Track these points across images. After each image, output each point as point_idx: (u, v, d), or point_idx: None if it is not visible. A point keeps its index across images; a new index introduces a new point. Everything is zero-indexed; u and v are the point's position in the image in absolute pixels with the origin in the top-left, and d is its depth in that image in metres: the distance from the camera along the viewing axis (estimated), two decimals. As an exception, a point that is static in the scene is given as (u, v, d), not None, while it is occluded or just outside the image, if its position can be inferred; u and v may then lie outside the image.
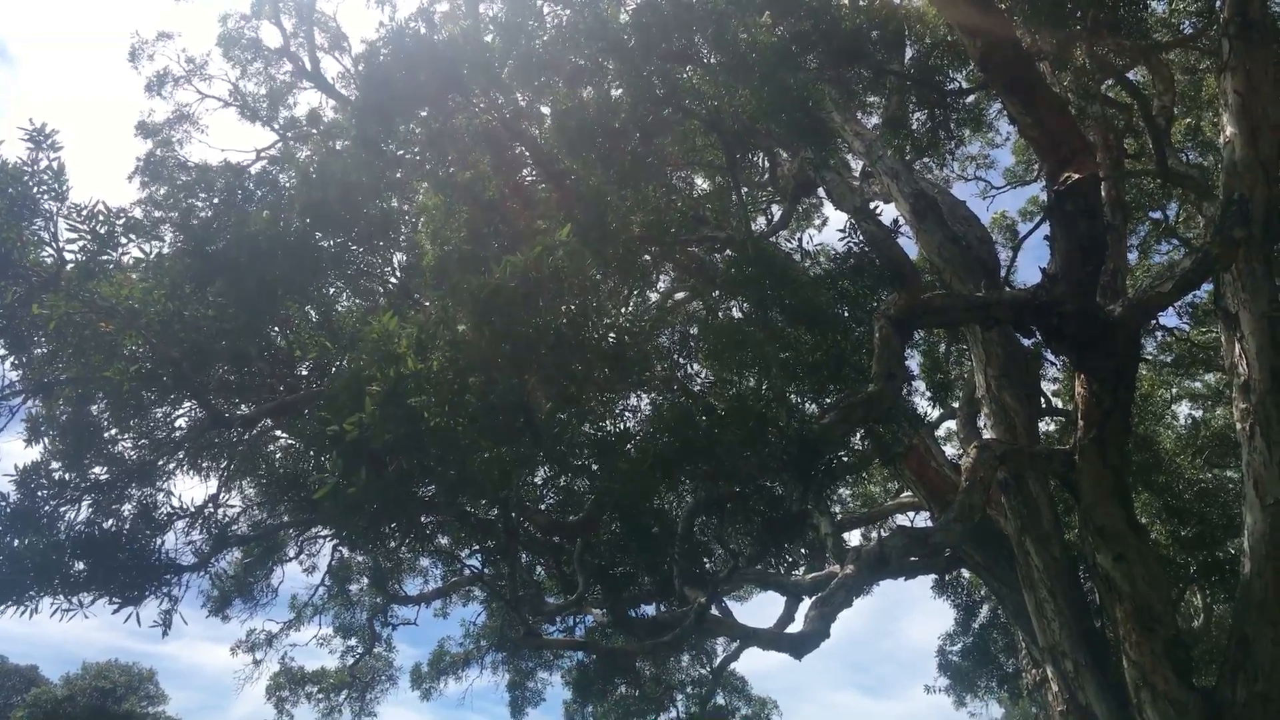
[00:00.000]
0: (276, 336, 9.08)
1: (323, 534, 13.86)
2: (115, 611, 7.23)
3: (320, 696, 19.51)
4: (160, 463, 8.72)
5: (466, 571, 14.86)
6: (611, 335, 6.32)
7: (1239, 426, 9.67)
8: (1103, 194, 10.46)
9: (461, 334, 5.14)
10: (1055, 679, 10.79)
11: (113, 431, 8.29)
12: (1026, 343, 11.89)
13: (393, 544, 10.22)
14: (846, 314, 9.16)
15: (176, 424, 8.84)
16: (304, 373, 9.06)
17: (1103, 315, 8.38)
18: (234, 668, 19.06)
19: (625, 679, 17.88)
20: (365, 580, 17.37)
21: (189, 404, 8.41)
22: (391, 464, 5.07)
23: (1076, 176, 7.47)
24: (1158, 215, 16.72)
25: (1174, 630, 9.98)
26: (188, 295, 7.38)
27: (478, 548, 11.23)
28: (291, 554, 15.52)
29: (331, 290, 9.41)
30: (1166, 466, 14.47)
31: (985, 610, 19.36)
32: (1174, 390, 17.83)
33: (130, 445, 8.55)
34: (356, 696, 19.61)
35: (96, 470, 7.92)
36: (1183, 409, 18.16)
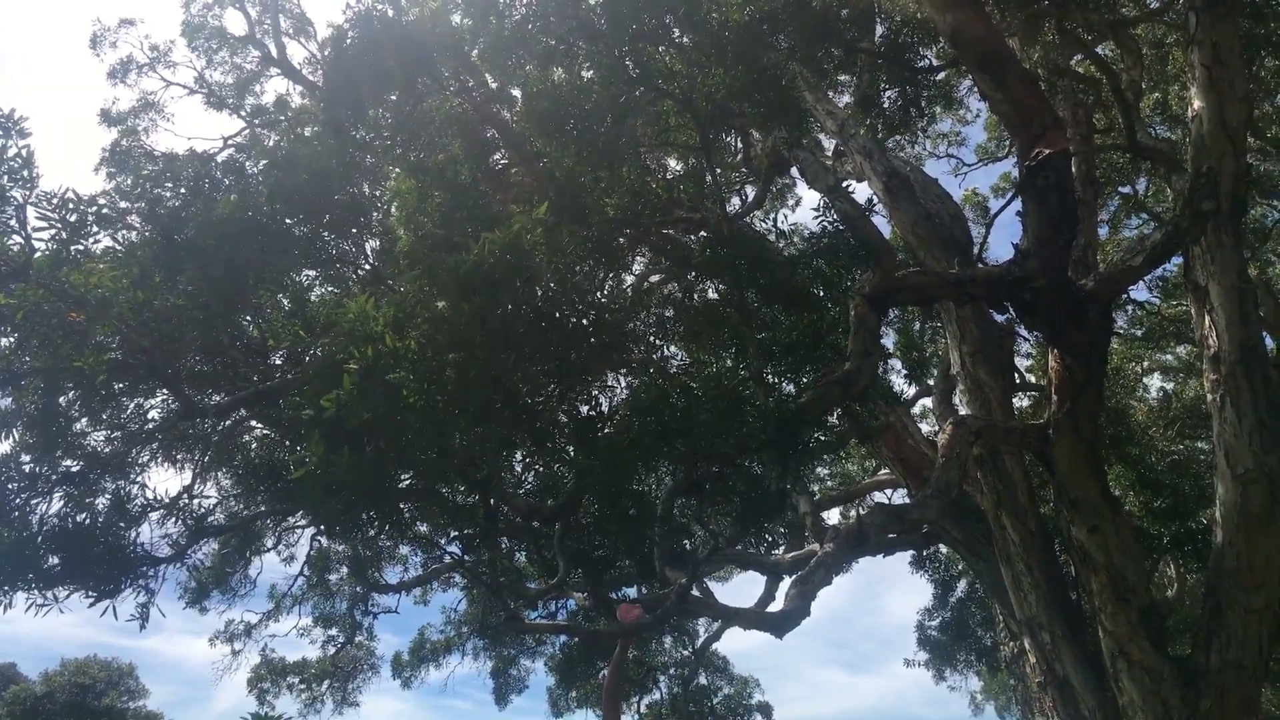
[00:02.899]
0: (249, 325, 8.98)
1: (300, 524, 13.78)
2: (91, 605, 7.16)
3: (302, 687, 19.44)
4: (133, 454, 8.62)
5: (446, 558, 14.84)
6: (590, 315, 6.30)
7: (1210, 398, 9.79)
8: (1073, 169, 10.53)
9: (439, 312, 5.10)
10: (1033, 651, 10.92)
11: (84, 423, 8.18)
12: (1000, 319, 11.98)
13: (371, 531, 10.19)
14: (822, 293, 9.17)
15: (149, 415, 8.74)
16: (278, 361, 8.97)
17: (1075, 290, 8.44)
18: (214, 660, 18.93)
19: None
20: (344, 569, 17.29)
21: (161, 394, 8.31)
22: (370, 445, 5.03)
23: (1048, 152, 7.50)
24: (1127, 190, 16.86)
25: (1148, 600, 10.13)
26: (157, 284, 7.28)
27: (456, 534, 11.19)
28: (269, 544, 15.45)
29: (304, 277, 9.31)
30: (1139, 439, 14.63)
31: (963, 585, 19.57)
32: (1145, 363, 18.02)
33: (102, 437, 8.45)
34: (338, 686, 19.55)
35: (68, 462, 7.82)
36: (1154, 382, 18.38)
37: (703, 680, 20.66)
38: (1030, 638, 10.92)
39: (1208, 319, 9.44)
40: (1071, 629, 10.60)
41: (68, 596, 7.17)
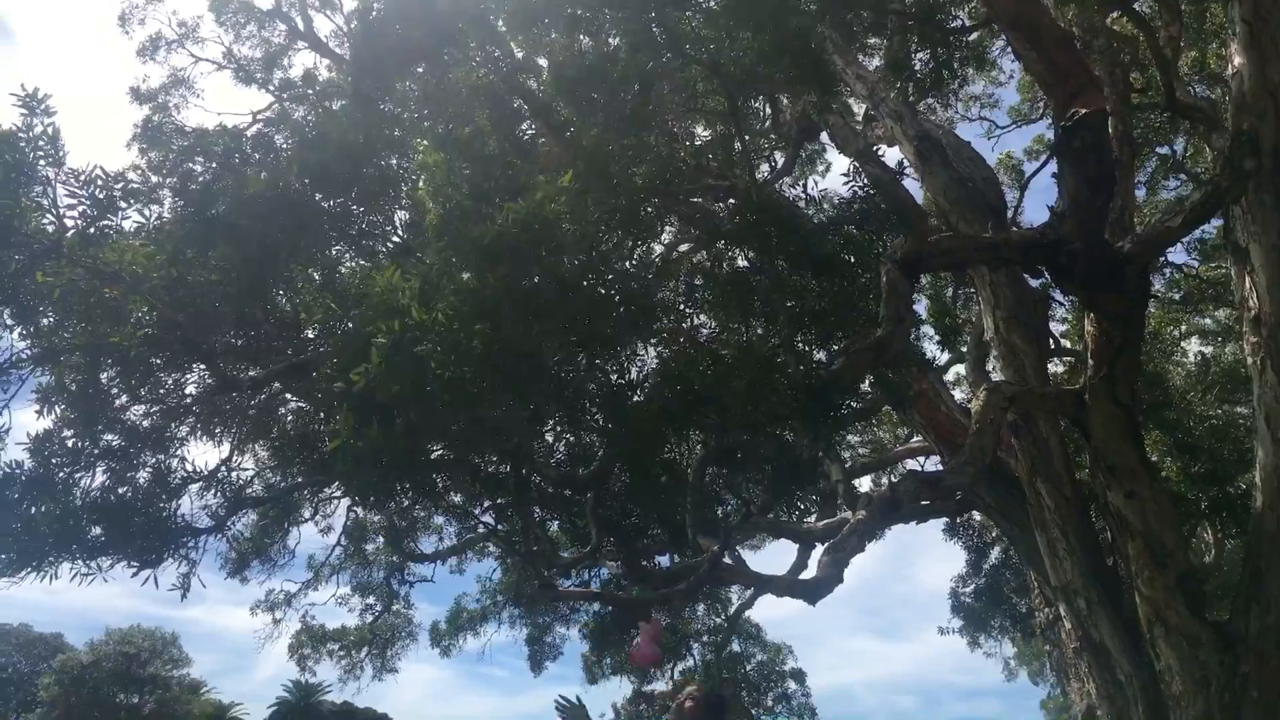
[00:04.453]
0: (281, 299, 9.05)
1: (337, 494, 13.95)
2: (134, 575, 7.31)
3: (341, 654, 19.77)
4: (172, 428, 8.73)
5: (480, 528, 14.95)
6: (617, 285, 6.29)
7: (1250, 361, 9.63)
8: (1110, 129, 10.33)
9: (465, 283, 5.10)
10: (1068, 617, 10.87)
11: (123, 399, 8.30)
12: (1034, 283, 11.83)
13: (405, 501, 10.31)
14: (853, 259, 9.08)
15: (186, 390, 8.85)
16: (311, 335, 9.05)
17: (1112, 252, 8.31)
18: (255, 629, 19.29)
19: (640, 629, 18.07)
20: (381, 539, 17.51)
21: (198, 369, 8.40)
22: (400, 417, 5.07)
23: (1084, 112, 7.36)
24: (1165, 151, 16.53)
25: (1186, 565, 10.02)
26: (190, 260, 7.35)
27: (489, 504, 11.28)
28: (307, 515, 15.65)
29: (334, 251, 9.35)
30: (1177, 404, 14.44)
31: (996, 552, 19.49)
32: (1183, 327, 17.76)
33: (141, 412, 8.56)
34: (377, 653, 19.86)
35: (109, 437, 7.95)
36: (1192, 346, 18.11)
37: (736, 647, 20.80)
38: (1066, 604, 10.87)
39: (1248, 280, 9.28)
40: (1108, 595, 10.53)
41: (111, 567, 7.33)
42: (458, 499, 11.42)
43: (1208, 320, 17.81)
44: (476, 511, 12.37)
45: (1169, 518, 10.00)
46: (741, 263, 9.39)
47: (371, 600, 18.83)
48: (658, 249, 11.35)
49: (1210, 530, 16.99)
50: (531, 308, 5.35)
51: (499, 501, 10.21)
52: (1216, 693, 9.03)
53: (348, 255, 9.74)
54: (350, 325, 5.84)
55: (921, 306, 14.92)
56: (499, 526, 12.31)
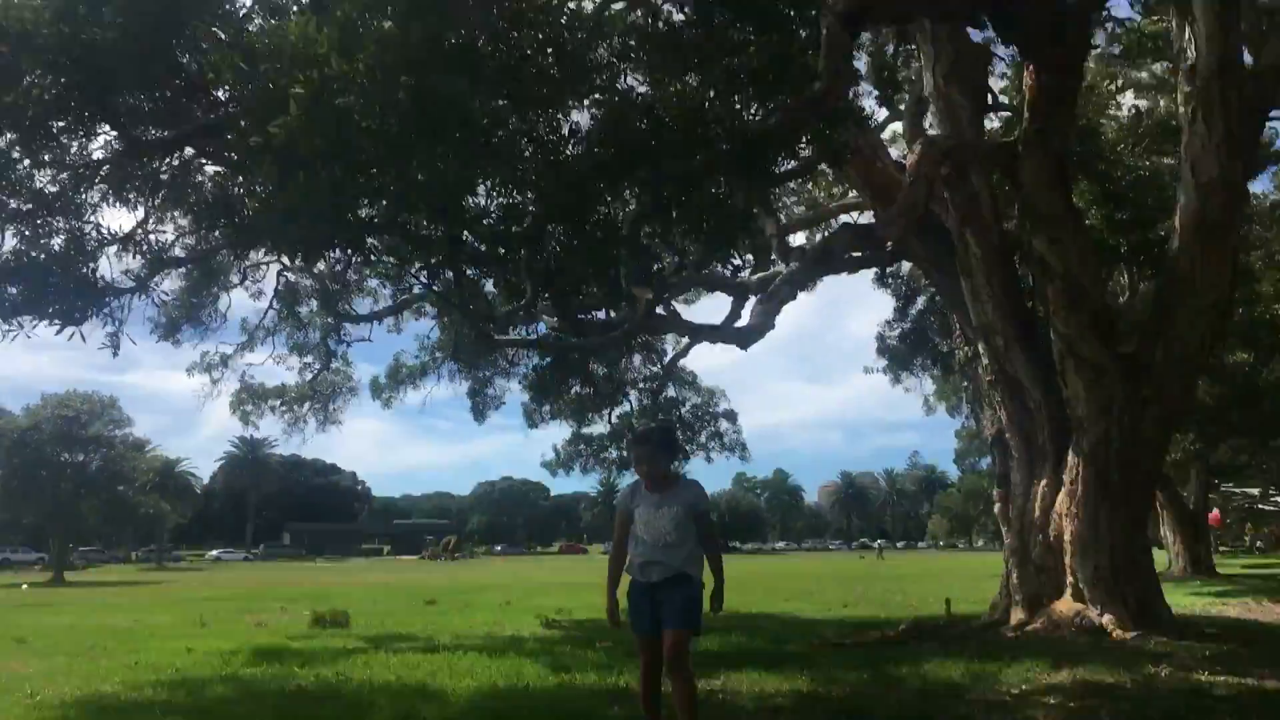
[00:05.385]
0: (187, 60, 8.41)
1: (265, 260, 13.65)
2: (58, 333, 7.24)
3: (284, 409, 20.04)
4: (82, 194, 8.32)
5: (415, 289, 14.86)
6: (550, 38, 5.97)
7: (1181, 110, 9.73)
8: None
9: (389, 33, 4.77)
10: (986, 354, 11.47)
11: (26, 164, 7.83)
12: (977, 37, 11.62)
13: (334, 257, 10.16)
14: (791, 13, 8.68)
15: (93, 154, 8.37)
16: (222, 96, 8.50)
17: (1055, 4, 8.17)
18: (194, 389, 19.28)
19: (579, 379, 18.55)
20: (314, 303, 17.32)
21: (103, 132, 7.91)
22: (325, 171, 4.86)
23: None
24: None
25: (1101, 304, 10.54)
26: (81, 17, 6.74)
27: (422, 265, 11.09)
28: (235, 280, 15.35)
29: (240, 6, 8.62)
30: (1107, 156, 14.57)
31: (922, 299, 20.09)
32: (1120, 81, 17.65)
33: (48, 177, 8.12)
34: (320, 407, 20.15)
35: (14, 203, 7.58)
36: (1127, 100, 18.06)
37: (671, 393, 21.43)
38: (984, 342, 11.43)
39: (1188, 31, 9.24)
40: (1024, 333, 11.10)
41: (35, 325, 7.25)
42: (390, 260, 11.26)
43: (1144, 74, 17.69)
44: (410, 273, 12.25)
45: (1089, 260, 10.40)
46: (677, 17, 8.92)
47: (310, 359, 18.86)
48: (588, 6, 10.71)
49: (1127, 274, 17.69)
50: (460, 60, 5.06)
51: (432, 262, 10.09)
52: (1117, 415, 9.80)
53: (256, 11, 9.01)
54: (265, 82, 5.48)
55: (861, 64, 14.53)
56: (434, 286, 12.24)
